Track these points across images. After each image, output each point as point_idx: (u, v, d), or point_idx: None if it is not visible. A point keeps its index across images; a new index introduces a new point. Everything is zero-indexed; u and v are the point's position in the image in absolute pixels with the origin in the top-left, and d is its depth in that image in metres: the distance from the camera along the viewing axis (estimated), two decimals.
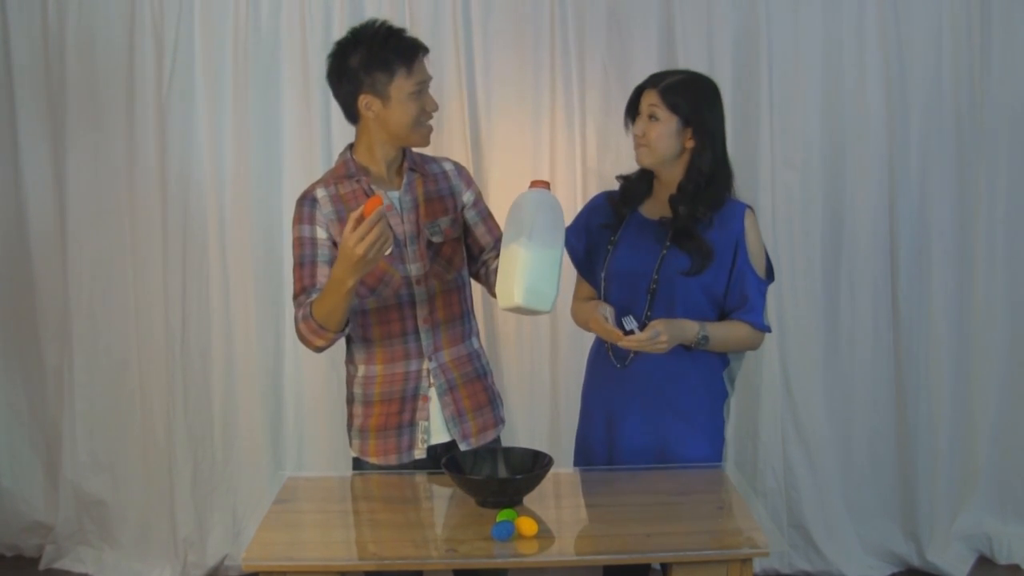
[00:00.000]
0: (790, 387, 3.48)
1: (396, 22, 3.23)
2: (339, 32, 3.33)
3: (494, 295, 2.43)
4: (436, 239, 2.38)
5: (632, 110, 2.42)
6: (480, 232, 2.47)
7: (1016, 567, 3.53)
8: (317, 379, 3.49)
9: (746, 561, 1.93)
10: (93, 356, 3.56)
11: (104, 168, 3.51)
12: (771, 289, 3.35)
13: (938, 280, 3.45)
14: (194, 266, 3.46)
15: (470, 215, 2.46)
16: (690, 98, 2.34)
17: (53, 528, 3.66)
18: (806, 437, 3.49)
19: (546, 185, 2.21)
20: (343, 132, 3.38)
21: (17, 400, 3.73)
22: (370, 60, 2.25)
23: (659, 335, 2.22)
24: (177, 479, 3.50)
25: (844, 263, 3.47)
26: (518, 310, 2.16)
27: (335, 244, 2.31)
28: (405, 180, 2.37)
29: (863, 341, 3.49)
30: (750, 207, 2.40)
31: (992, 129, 3.44)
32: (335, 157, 3.34)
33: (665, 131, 2.34)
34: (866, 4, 3.36)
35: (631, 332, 2.24)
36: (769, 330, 2.41)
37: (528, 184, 2.22)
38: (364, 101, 2.29)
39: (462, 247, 2.46)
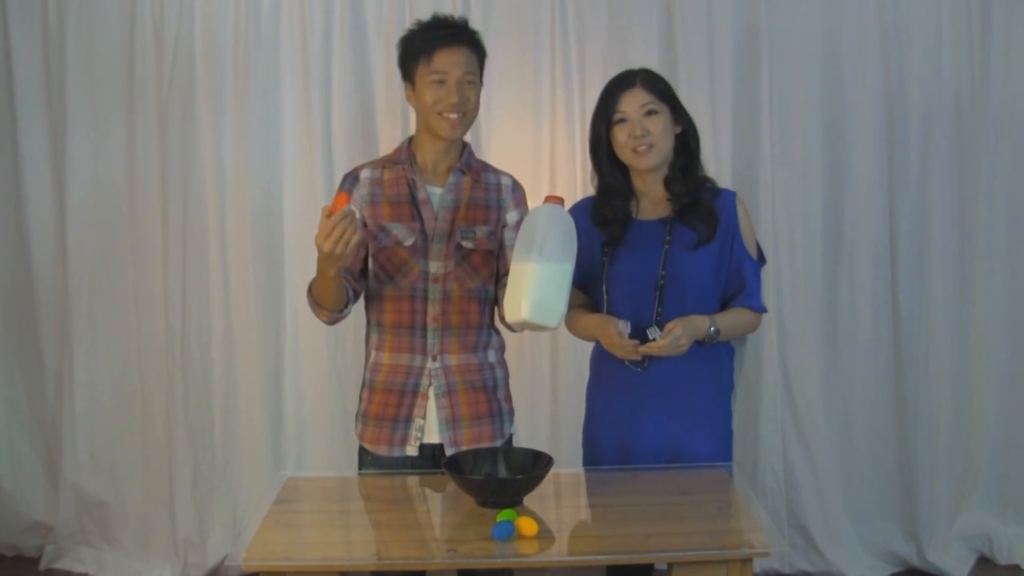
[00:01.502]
0: (790, 387, 3.48)
1: (395, 21, 3.24)
2: (339, 32, 3.36)
3: (501, 316, 2.46)
4: (467, 244, 2.39)
5: (604, 122, 2.40)
6: (509, 256, 2.44)
7: (1016, 567, 3.53)
8: (317, 379, 3.49)
9: (746, 561, 1.93)
10: (93, 356, 3.56)
11: (104, 168, 3.51)
12: (771, 287, 3.39)
13: (938, 280, 3.45)
14: (194, 266, 3.46)
15: (507, 235, 2.45)
16: (667, 86, 2.40)
17: (53, 528, 3.66)
18: (806, 437, 3.49)
19: (560, 201, 2.20)
20: (344, 132, 3.40)
21: (17, 400, 3.73)
22: (405, 49, 2.38)
23: (679, 338, 2.23)
24: (177, 479, 3.50)
25: (844, 262, 3.47)
26: (524, 324, 2.16)
27: (364, 224, 2.38)
28: (451, 179, 2.39)
29: (863, 341, 3.49)
30: (736, 193, 2.44)
31: (992, 127, 3.45)
32: (336, 156, 3.39)
33: (666, 122, 2.37)
34: (866, 2, 3.37)
35: (653, 340, 2.25)
36: (766, 310, 2.44)
37: (542, 198, 2.23)
38: (406, 87, 2.39)
39: (494, 261, 2.46)
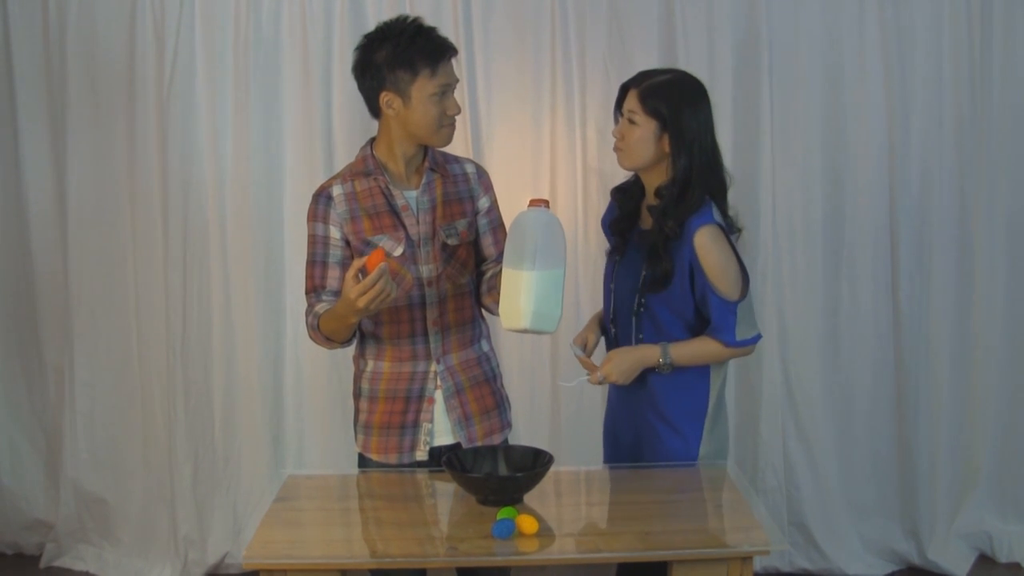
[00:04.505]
0: (790, 386, 3.48)
1: None
2: (340, 31, 3.35)
3: (483, 305, 2.47)
4: (452, 241, 2.37)
5: (620, 107, 2.38)
6: (487, 242, 2.46)
7: (1016, 565, 3.53)
8: (318, 377, 3.49)
9: (747, 559, 1.93)
10: (94, 354, 3.56)
11: (105, 167, 3.51)
12: (771, 288, 3.39)
13: (939, 279, 3.45)
14: (195, 265, 3.46)
15: (481, 222, 2.44)
16: (670, 101, 2.26)
17: (54, 526, 3.66)
18: (806, 435, 3.49)
19: (545, 203, 2.19)
20: (345, 131, 3.39)
21: (18, 398, 3.73)
22: (394, 58, 2.24)
23: (606, 377, 2.28)
24: (178, 477, 3.50)
25: (844, 261, 3.47)
26: (524, 332, 2.18)
27: (347, 243, 2.33)
28: (424, 180, 2.36)
29: (864, 340, 3.49)
30: (715, 223, 2.28)
31: (993, 126, 3.44)
32: (336, 156, 3.38)
33: (642, 136, 2.28)
34: (867, 1, 3.36)
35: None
36: (747, 342, 2.32)
37: (527, 200, 2.20)
38: (385, 98, 2.27)
39: (474, 251, 2.45)
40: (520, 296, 2.13)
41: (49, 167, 3.57)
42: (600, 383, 2.30)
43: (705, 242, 2.25)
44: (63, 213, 3.53)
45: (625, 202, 2.44)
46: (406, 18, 2.29)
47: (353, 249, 2.33)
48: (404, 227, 2.32)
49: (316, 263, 2.35)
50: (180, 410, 3.49)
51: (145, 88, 3.42)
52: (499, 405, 2.48)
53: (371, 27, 3.34)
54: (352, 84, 3.36)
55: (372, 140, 2.39)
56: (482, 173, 2.48)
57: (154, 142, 3.44)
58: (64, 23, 3.43)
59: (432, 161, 2.38)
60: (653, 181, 2.34)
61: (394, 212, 2.33)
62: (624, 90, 2.36)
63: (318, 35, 3.38)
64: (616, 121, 2.38)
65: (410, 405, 2.38)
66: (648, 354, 2.30)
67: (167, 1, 3.36)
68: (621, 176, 2.49)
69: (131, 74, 3.42)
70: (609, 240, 2.53)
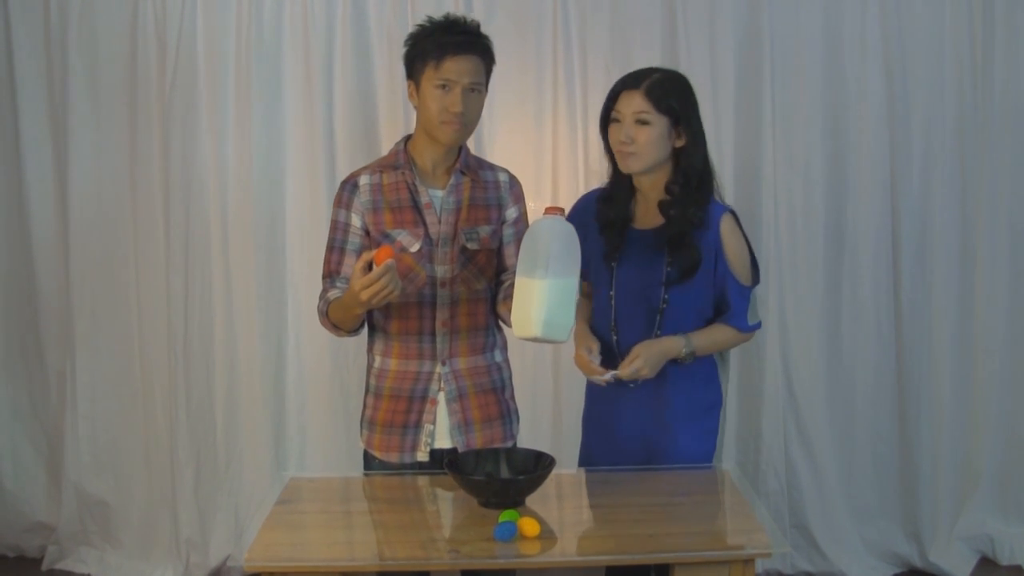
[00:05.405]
0: (792, 388, 3.48)
1: (398, 23, 3.23)
2: (342, 33, 3.36)
3: (497, 314, 2.47)
4: (472, 246, 2.37)
5: (607, 117, 2.36)
6: (510, 252, 2.45)
7: (1018, 568, 3.53)
8: (320, 380, 3.49)
9: (748, 561, 1.93)
10: (95, 357, 3.56)
11: (106, 169, 3.51)
12: (773, 288, 3.38)
13: (940, 281, 3.45)
14: (197, 267, 3.46)
15: (506, 232, 2.45)
16: (677, 95, 2.31)
17: (55, 529, 3.66)
18: (808, 438, 3.49)
19: (560, 211, 2.19)
20: (346, 132, 3.40)
21: (20, 401, 3.73)
22: (413, 47, 2.32)
23: (639, 370, 2.26)
24: (179, 480, 3.50)
25: (846, 264, 3.47)
26: (535, 340, 2.18)
27: (367, 233, 2.36)
28: (452, 180, 2.37)
29: (865, 342, 3.49)
30: (730, 211, 2.34)
31: (995, 127, 3.45)
32: (338, 157, 3.39)
33: (657, 134, 2.29)
34: (868, 3, 3.37)
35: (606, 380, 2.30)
36: (754, 328, 2.39)
37: (542, 208, 2.21)
38: (409, 87, 2.34)
39: (496, 259, 2.45)
40: (532, 304, 2.13)
41: (50, 169, 3.57)
42: (632, 377, 2.28)
43: (729, 228, 2.31)
44: (64, 215, 3.53)
45: (613, 209, 2.42)
46: (449, 14, 2.35)
47: (372, 240, 2.36)
48: (425, 225, 2.34)
49: (334, 249, 2.38)
50: (182, 412, 3.49)
51: (147, 90, 3.42)
52: (503, 416, 2.46)
53: (372, 29, 3.40)
54: (353, 85, 3.41)
55: (409, 136, 2.43)
56: (515, 183, 2.49)
57: (156, 144, 3.44)
58: (65, 24, 3.43)
59: (463, 164, 2.40)
60: (657, 180, 2.35)
61: (417, 209, 2.34)
62: (615, 95, 2.34)
63: (320, 37, 3.38)
64: (602, 129, 2.37)
65: (413, 405, 2.38)
66: (671, 345, 2.31)
67: (169, 2, 3.36)
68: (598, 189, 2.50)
69: (133, 76, 3.43)
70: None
